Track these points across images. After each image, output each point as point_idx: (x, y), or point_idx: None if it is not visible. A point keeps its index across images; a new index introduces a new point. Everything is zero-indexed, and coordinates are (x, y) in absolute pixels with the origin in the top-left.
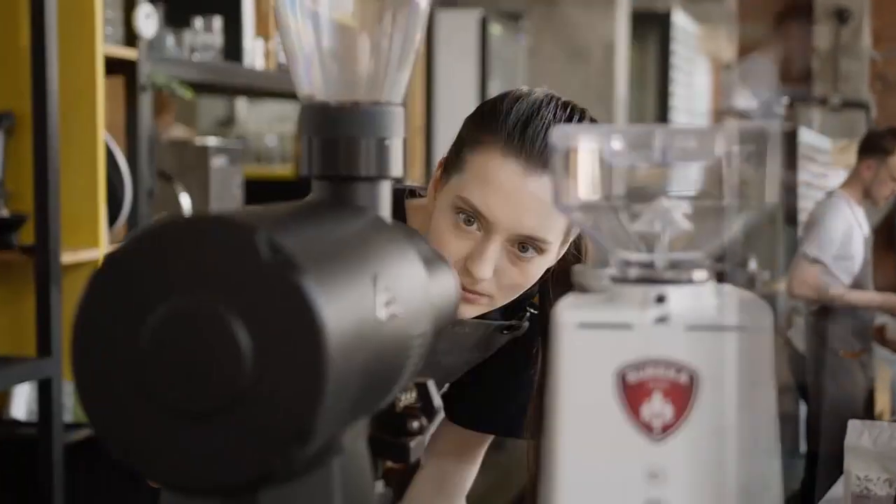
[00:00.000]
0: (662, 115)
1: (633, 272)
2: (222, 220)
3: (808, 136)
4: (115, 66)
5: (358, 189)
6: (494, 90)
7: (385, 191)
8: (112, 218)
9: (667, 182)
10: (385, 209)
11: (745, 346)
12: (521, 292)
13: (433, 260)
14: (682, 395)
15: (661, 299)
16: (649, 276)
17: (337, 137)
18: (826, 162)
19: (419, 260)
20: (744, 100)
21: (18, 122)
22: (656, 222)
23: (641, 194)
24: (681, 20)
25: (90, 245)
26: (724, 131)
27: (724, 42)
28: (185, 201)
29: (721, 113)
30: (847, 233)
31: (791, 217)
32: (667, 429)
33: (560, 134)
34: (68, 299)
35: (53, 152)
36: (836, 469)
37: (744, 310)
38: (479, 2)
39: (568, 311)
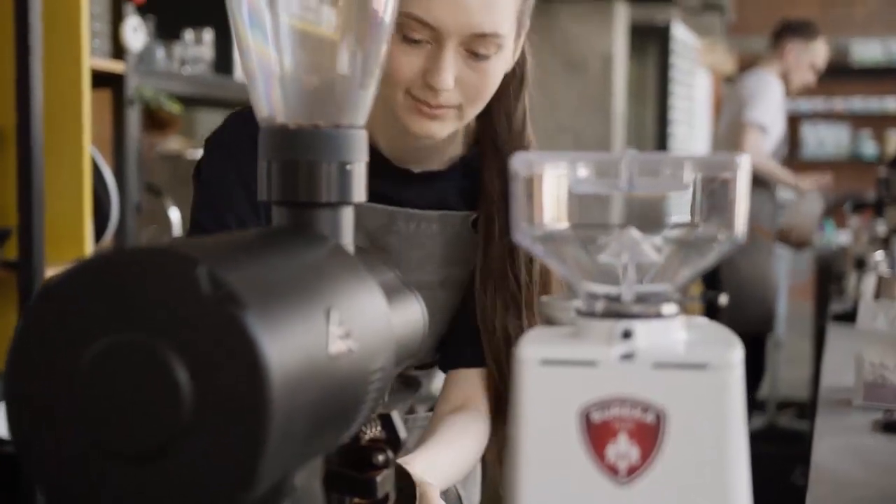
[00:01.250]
0: (662, 127)
1: (600, 305)
2: (163, 251)
3: (679, 32)
4: (102, 80)
5: (318, 215)
6: None
7: (347, 217)
8: (99, 232)
9: (635, 211)
10: (347, 236)
11: (713, 384)
12: (486, 99)
13: (397, 289)
14: (649, 435)
15: (627, 335)
16: (616, 310)
17: (297, 161)
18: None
19: (380, 291)
20: None
21: (3, 135)
22: (623, 254)
23: (608, 224)
24: (680, 33)
25: (76, 260)
26: (692, 160)
27: (725, 54)
28: (175, 215)
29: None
30: (777, 104)
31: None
32: (633, 471)
33: (522, 161)
34: None
35: (38, 166)
36: (749, 351)
37: (713, 345)
38: None
39: (530, 347)
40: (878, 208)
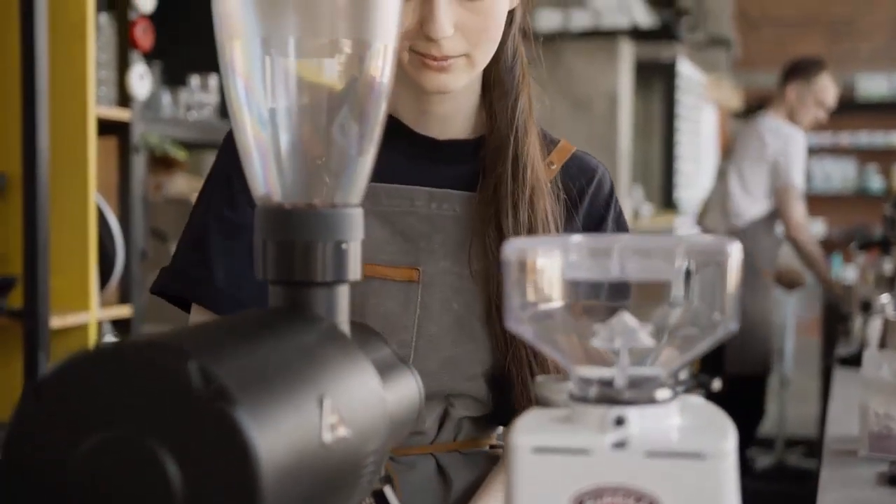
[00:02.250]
0: (668, 163)
1: (593, 391)
2: (154, 346)
3: (685, 68)
4: (108, 127)
5: (314, 295)
6: None
7: (343, 296)
8: (104, 280)
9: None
10: (342, 314)
11: (707, 473)
12: (496, 40)
13: (391, 365)
14: None
15: (620, 422)
16: (609, 396)
17: (293, 241)
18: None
19: (374, 370)
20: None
21: (9, 183)
22: (616, 339)
23: (600, 308)
24: (686, 69)
25: (80, 308)
26: (684, 246)
27: (731, 90)
28: None
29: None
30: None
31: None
32: None
33: (514, 246)
34: None
35: (43, 215)
36: (749, 392)
37: (707, 433)
38: None
39: (523, 435)
40: (884, 246)
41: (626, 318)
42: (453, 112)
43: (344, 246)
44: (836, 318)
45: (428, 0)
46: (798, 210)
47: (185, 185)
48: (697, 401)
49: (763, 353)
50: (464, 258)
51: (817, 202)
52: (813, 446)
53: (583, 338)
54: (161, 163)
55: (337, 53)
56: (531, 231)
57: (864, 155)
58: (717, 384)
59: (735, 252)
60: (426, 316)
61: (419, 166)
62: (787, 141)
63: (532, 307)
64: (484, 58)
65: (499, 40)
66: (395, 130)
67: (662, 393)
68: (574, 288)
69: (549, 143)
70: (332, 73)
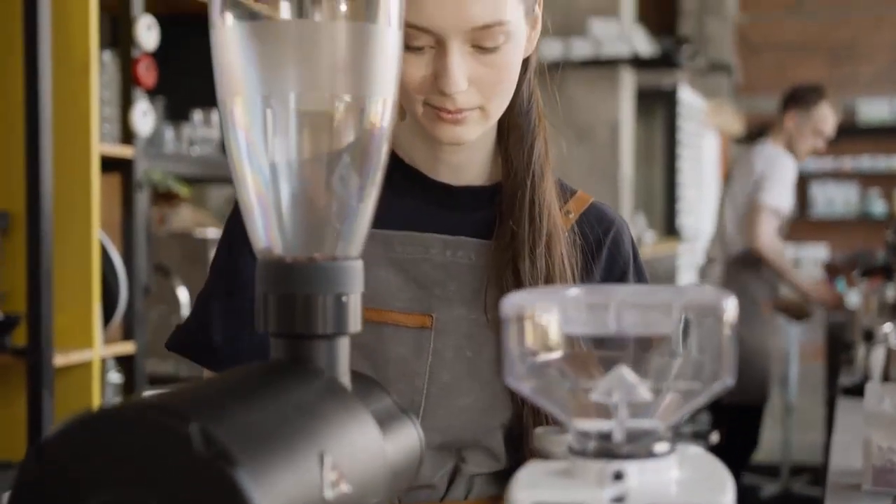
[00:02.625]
0: (670, 190)
1: (591, 445)
2: (155, 408)
3: (686, 95)
4: (111, 164)
5: (315, 347)
6: None
7: (343, 348)
8: (107, 317)
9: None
10: (343, 366)
11: None
12: (510, 92)
13: (392, 416)
14: None
15: (618, 476)
16: (607, 450)
17: (293, 294)
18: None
19: (374, 423)
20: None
21: (13, 221)
22: (614, 393)
23: (598, 361)
24: (687, 96)
25: (84, 346)
26: (681, 301)
27: (732, 115)
28: (183, 295)
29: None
30: (791, 185)
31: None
32: None
33: (512, 301)
34: (61, 403)
35: (47, 253)
36: (745, 421)
37: (705, 486)
38: None
39: (522, 490)
40: (887, 272)
41: (624, 373)
42: (468, 159)
43: (344, 298)
44: (839, 344)
45: (442, 55)
46: (764, 226)
47: (190, 218)
48: (696, 451)
49: (760, 382)
50: (479, 305)
51: (820, 227)
52: (818, 474)
53: (581, 391)
54: (165, 195)
55: (337, 108)
56: (549, 278)
57: (867, 179)
58: (714, 437)
59: (731, 307)
60: (438, 363)
61: (434, 213)
62: (772, 162)
63: (530, 361)
64: (498, 109)
65: (513, 91)
66: (411, 177)
67: (661, 446)
68: (572, 341)
69: (566, 193)
70: (332, 127)
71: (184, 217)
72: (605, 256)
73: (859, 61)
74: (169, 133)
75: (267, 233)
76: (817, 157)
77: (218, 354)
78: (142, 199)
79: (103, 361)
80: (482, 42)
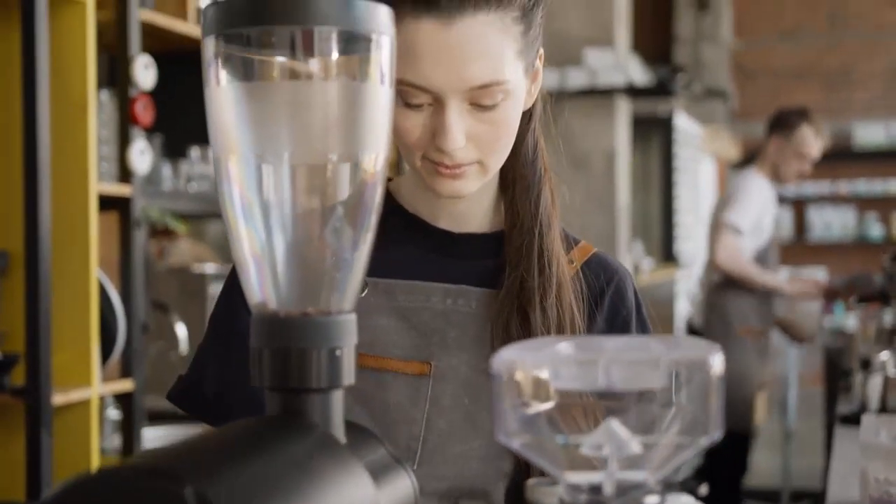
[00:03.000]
0: (667, 216)
1: (582, 498)
2: (151, 471)
3: (682, 122)
4: (109, 202)
5: (309, 401)
6: None
7: (337, 400)
8: (106, 354)
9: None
10: (337, 418)
11: None
12: (509, 146)
13: (386, 466)
14: None
15: None
16: (598, 503)
17: (288, 348)
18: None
19: (367, 476)
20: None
21: (12, 261)
22: (605, 446)
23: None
24: (683, 122)
25: (83, 384)
26: (669, 359)
27: (728, 141)
28: (182, 332)
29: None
30: (763, 206)
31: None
32: None
33: (502, 360)
34: (59, 441)
35: (45, 293)
36: (731, 448)
37: None
38: None
39: None
40: (884, 298)
41: (614, 426)
42: (469, 208)
43: (338, 352)
44: (837, 370)
45: (439, 112)
46: (722, 242)
47: (189, 251)
48: (686, 500)
49: (742, 410)
50: (480, 353)
51: (817, 250)
52: (818, 499)
53: (572, 445)
54: (164, 229)
55: (330, 165)
56: (560, 327)
57: (864, 203)
58: (703, 489)
59: (717, 362)
60: (436, 410)
61: (436, 261)
62: (742, 184)
63: (521, 416)
64: (496, 164)
65: (511, 145)
66: (413, 225)
67: (651, 499)
68: (563, 397)
69: (569, 241)
70: (325, 182)
71: (183, 250)
72: (607, 306)
73: (854, 86)
74: (167, 170)
75: (261, 287)
76: (814, 181)
77: (212, 408)
78: (139, 237)
79: (102, 399)
80: (480, 100)
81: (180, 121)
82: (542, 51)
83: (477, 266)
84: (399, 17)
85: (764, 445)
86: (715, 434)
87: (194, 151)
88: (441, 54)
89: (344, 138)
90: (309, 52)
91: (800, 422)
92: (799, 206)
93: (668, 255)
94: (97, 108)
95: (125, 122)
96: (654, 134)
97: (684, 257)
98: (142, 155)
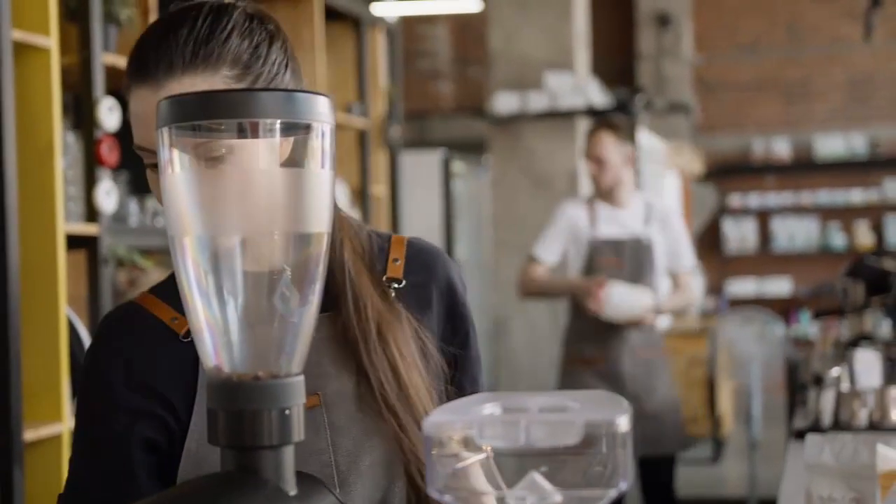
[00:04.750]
0: None
1: None
2: None
3: (645, 139)
4: (77, 241)
5: (262, 458)
6: (460, 224)
7: (288, 455)
8: (75, 390)
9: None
10: (288, 473)
11: None
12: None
13: None
14: None
15: None
16: None
17: (241, 410)
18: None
19: None
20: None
21: None
22: (528, 497)
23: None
24: (646, 139)
25: (53, 420)
26: (582, 422)
27: (692, 155)
28: None
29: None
30: (572, 231)
31: None
32: None
33: (432, 423)
34: (30, 477)
35: (15, 332)
36: (659, 470)
37: None
38: (443, 139)
39: None
40: (841, 312)
41: (536, 478)
42: None
43: (287, 412)
44: (797, 381)
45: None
46: (523, 271)
47: (158, 276)
48: None
49: (677, 431)
50: (350, 374)
51: (782, 261)
52: None
53: (498, 498)
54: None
55: (276, 242)
56: (394, 368)
57: (826, 213)
58: None
59: (623, 423)
60: (337, 433)
61: None
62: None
63: (450, 472)
64: None
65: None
66: None
67: None
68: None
69: (382, 242)
70: (272, 257)
71: (152, 281)
72: (438, 296)
73: (814, 98)
74: (133, 206)
75: (216, 353)
76: (777, 191)
77: None
78: (107, 275)
79: (71, 433)
80: (209, 155)
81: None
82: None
83: None
84: (127, 89)
85: (730, 454)
86: (622, 485)
87: None
88: (150, 117)
89: (289, 217)
90: (254, 141)
91: (766, 429)
92: (763, 217)
93: None
94: (63, 150)
95: (91, 163)
96: None
97: None
98: (108, 195)
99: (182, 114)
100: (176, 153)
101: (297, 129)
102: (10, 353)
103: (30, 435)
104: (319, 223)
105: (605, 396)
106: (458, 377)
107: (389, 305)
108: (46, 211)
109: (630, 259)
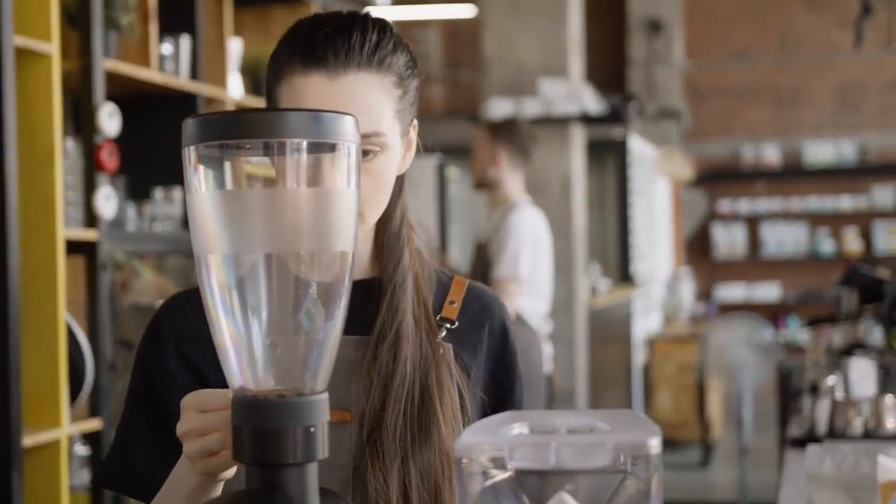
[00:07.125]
0: (623, 237)
1: None
2: None
3: (636, 144)
4: (76, 246)
5: (286, 475)
6: (454, 231)
7: (312, 473)
8: (74, 395)
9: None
10: (312, 489)
11: None
12: (385, 199)
13: None
14: None
15: None
16: None
17: (266, 428)
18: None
19: None
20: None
21: None
22: None
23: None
24: (637, 145)
25: (52, 426)
26: (612, 442)
27: (682, 160)
28: None
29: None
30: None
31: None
32: None
33: (464, 444)
34: (29, 482)
35: (15, 337)
36: None
37: None
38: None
39: None
40: (833, 319)
41: (566, 498)
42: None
43: (312, 429)
44: (789, 386)
45: None
46: (510, 296)
47: (152, 284)
48: None
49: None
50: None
51: (771, 266)
52: None
53: None
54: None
55: (302, 262)
56: (388, 376)
57: (815, 219)
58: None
59: (656, 445)
60: (360, 452)
61: None
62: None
63: (480, 491)
64: (373, 216)
65: (386, 201)
66: None
67: None
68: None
69: (444, 281)
70: (299, 278)
71: (145, 283)
72: (489, 340)
73: (804, 105)
74: (131, 211)
75: (241, 372)
76: (767, 197)
77: (146, 485)
78: (106, 280)
79: (70, 439)
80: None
81: (145, 163)
82: (416, 122)
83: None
84: (290, 73)
85: (721, 459)
86: None
87: (158, 192)
88: (326, 104)
89: (314, 237)
90: (281, 160)
91: (756, 434)
92: (752, 222)
93: (624, 275)
94: (63, 155)
95: (91, 169)
96: (608, 157)
97: (640, 277)
98: (107, 200)
99: (209, 133)
100: (202, 171)
101: (324, 149)
102: (10, 359)
103: (29, 440)
104: (345, 242)
105: (632, 416)
106: None
107: (432, 345)
108: (46, 216)
109: None
